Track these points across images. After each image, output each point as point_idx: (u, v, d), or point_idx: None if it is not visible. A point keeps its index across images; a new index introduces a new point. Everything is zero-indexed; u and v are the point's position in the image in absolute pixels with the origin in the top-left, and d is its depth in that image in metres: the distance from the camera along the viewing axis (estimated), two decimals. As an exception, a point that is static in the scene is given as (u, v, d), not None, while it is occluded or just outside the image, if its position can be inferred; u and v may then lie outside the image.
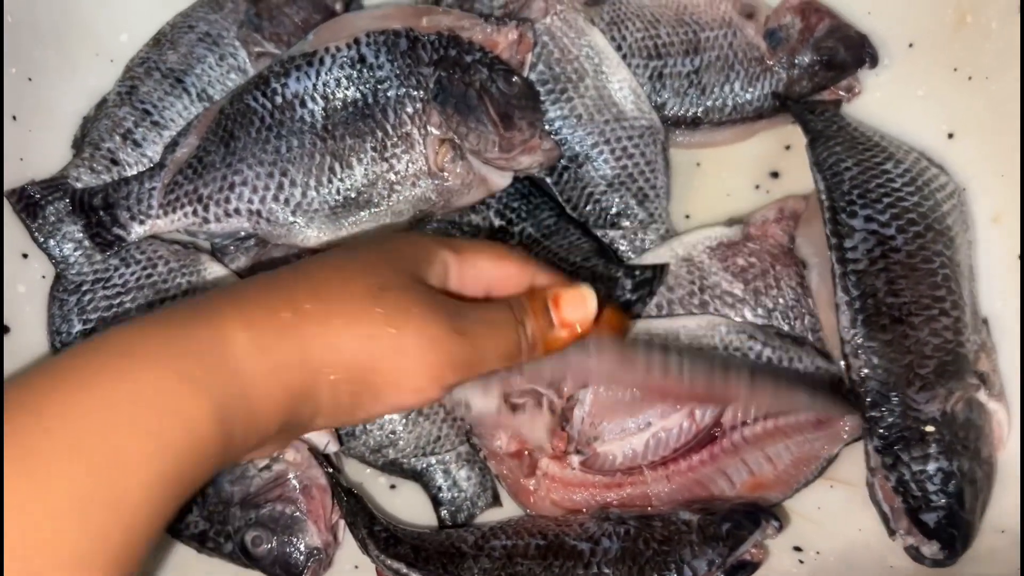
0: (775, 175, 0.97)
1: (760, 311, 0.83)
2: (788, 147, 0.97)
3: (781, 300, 0.83)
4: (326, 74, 0.81)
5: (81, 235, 0.82)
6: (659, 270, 0.84)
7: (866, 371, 0.72)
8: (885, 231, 0.75)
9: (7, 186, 0.82)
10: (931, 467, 0.70)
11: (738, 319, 0.83)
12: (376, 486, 0.87)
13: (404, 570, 0.71)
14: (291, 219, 0.81)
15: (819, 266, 0.79)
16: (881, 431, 0.72)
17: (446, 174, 0.81)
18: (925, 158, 0.86)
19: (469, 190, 0.83)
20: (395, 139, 0.80)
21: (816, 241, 0.79)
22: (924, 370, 0.71)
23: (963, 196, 0.83)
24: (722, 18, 0.95)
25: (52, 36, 0.88)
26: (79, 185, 0.84)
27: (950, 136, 0.88)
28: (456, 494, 0.83)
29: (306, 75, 0.81)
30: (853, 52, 0.92)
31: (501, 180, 0.84)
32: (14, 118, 0.83)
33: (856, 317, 0.73)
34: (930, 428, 0.70)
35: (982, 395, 0.71)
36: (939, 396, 0.71)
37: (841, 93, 0.94)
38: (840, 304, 0.74)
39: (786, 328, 0.83)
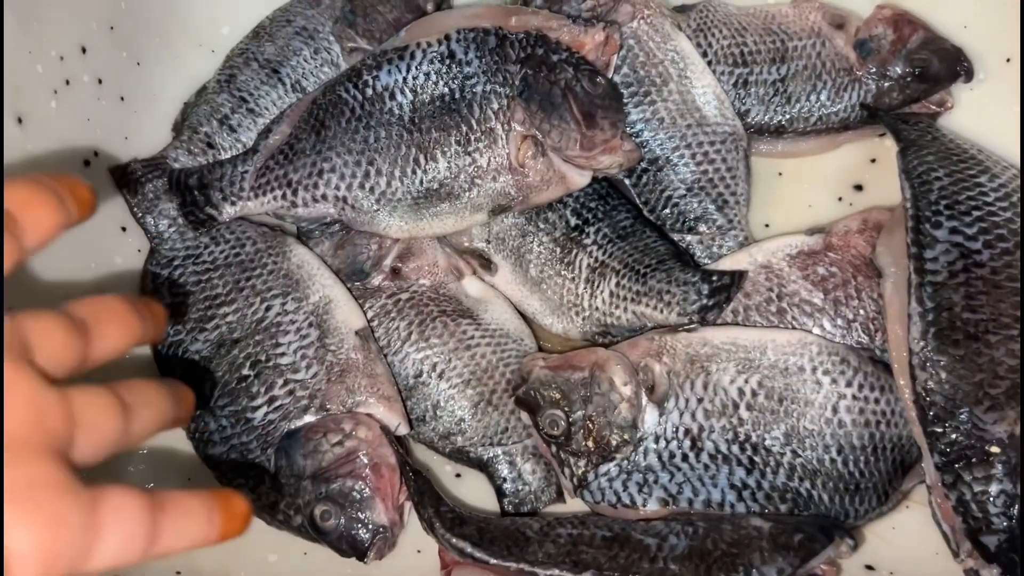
0: (859, 188, 0.95)
1: (840, 322, 0.81)
2: (874, 160, 0.96)
3: (862, 312, 0.81)
4: (416, 68, 0.83)
5: (176, 213, 0.86)
6: (737, 276, 0.83)
7: (932, 384, 0.70)
8: (970, 244, 0.73)
9: (113, 162, 0.86)
10: (994, 488, 0.67)
11: (817, 329, 0.81)
12: (443, 473, 0.88)
13: (469, 549, 0.72)
14: (375, 207, 0.83)
15: (895, 276, 0.77)
16: (943, 447, 0.69)
17: (527, 170, 0.82)
18: (1025, 175, 0.83)
19: (548, 187, 0.83)
20: (479, 134, 0.81)
21: (896, 251, 0.77)
22: (995, 390, 0.68)
23: (1059, 215, 0.80)
24: (811, 28, 0.94)
25: (159, 25, 0.93)
26: (177, 166, 0.88)
27: (1048, 153, 0.85)
28: (520, 487, 0.84)
29: (397, 68, 0.83)
30: (947, 65, 0.90)
31: (580, 179, 0.84)
32: (122, 99, 0.88)
33: (928, 329, 0.71)
34: (995, 449, 0.67)
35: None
36: (1008, 418, 0.68)
37: (933, 107, 0.92)
38: (912, 315, 0.72)
39: (866, 340, 0.81)
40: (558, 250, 0.88)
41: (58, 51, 0.77)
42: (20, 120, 0.72)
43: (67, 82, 0.79)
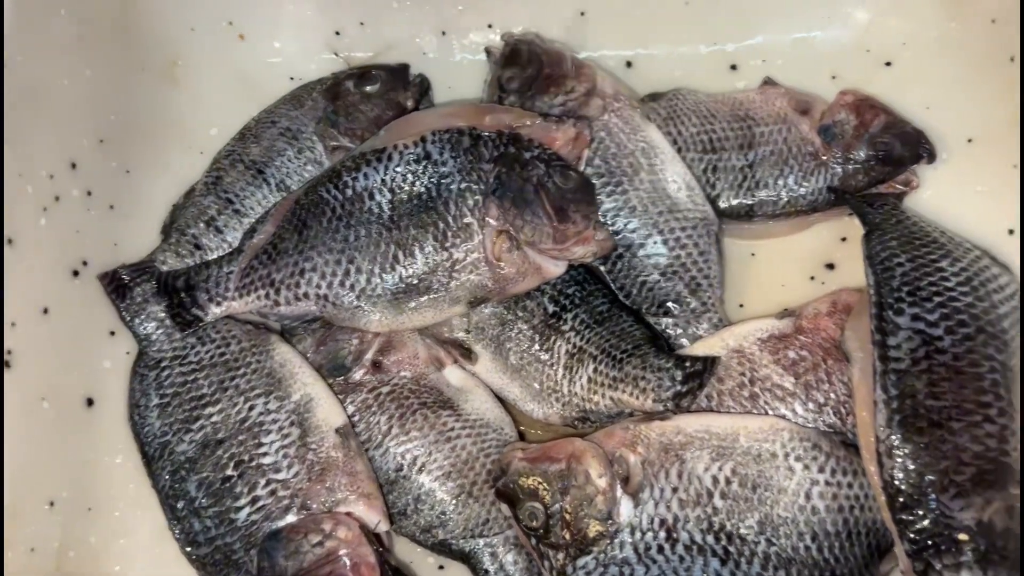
0: (831, 266, 0.97)
1: (811, 405, 0.83)
2: (844, 239, 0.98)
3: (833, 395, 0.83)
4: (394, 169, 0.86)
5: (163, 314, 0.89)
6: (710, 362, 0.85)
7: (899, 473, 0.71)
8: (932, 331, 0.75)
9: (101, 269, 0.90)
10: None
11: (789, 413, 0.83)
12: (425, 566, 0.89)
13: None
14: (356, 303, 0.86)
15: (862, 362, 0.79)
16: (912, 535, 0.70)
17: (503, 263, 0.84)
18: (988, 256, 0.85)
19: (524, 278, 0.86)
20: (455, 230, 0.84)
21: (862, 336, 0.79)
22: (960, 477, 0.70)
23: (1024, 295, 0.82)
24: (777, 114, 0.98)
25: (149, 132, 0.97)
26: (165, 268, 0.91)
27: (1011, 232, 0.87)
28: (503, 578, 0.85)
29: (375, 170, 0.86)
30: (909, 147, 0.93)
31: (556, 269, 0.87)
32: (111, 207, 0.92)
33: (893, 417, 0.73)
34: (964, 536, 0.68)
35: (1028, 505, 0.69)
36: (975, 505, 0.69)
37: (898, 187, 0.95)
38: (878, 402, 0.74)
39: (837, 423, 0.82)
40: (537, 337, 0.90)
41: (48, 170, 0.81)
42: (10, 241, 0.75)
43: (56, 198, 0.83)
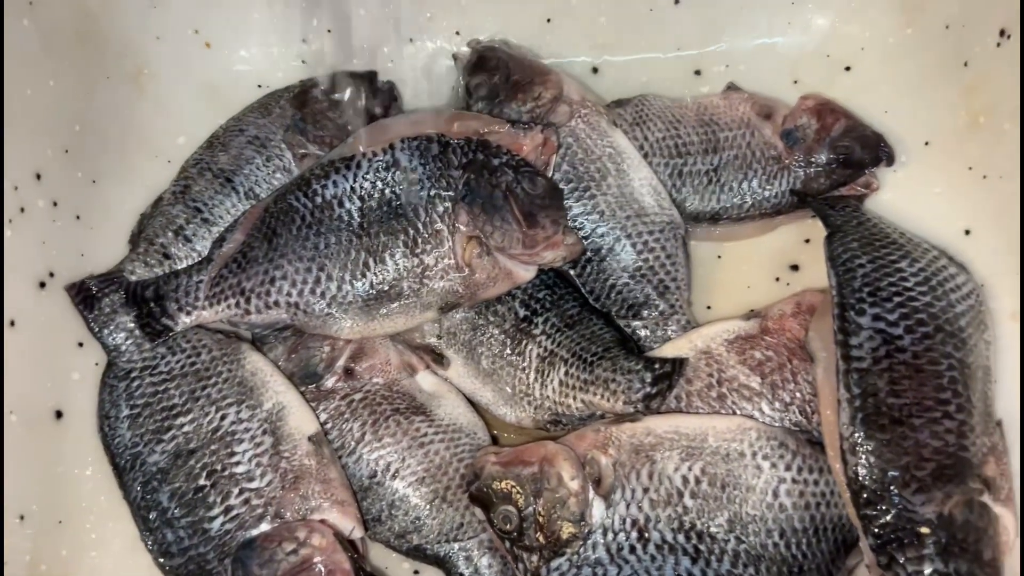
0: (795, 268, 0.99)
1: (777, 405, 0.84)
2: (808, 240, 1.00)
3: (798, 395, 0.84)
4: (363, 177, 0.86)
5: (133, 325, 0.88)
6: (678, 364, 0.86)
7: (862, 469, 0.73)
8: (892, 331, 0.77)
9: (69, 280, 0.89)
10: (927, 569, 0.70)
11: (756, 413, 0.84)
12: (400, 571, 0.89)
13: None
14: (327, 311, 0.86)
15: (825, 361, 0.81)
16: (876, 530, 0.72)
17: (473, 269, 0.85)
18: (946, 256, 0.87)
19: (495, 283, 0.87)
20: (426, 236, 0.85)
21: (825, 336, 0.81)
22: (921, 472, 0.72)
23: (982, 295, 0.84)
24: (740, 119, 1.00)
25: (115, 142, 0.96)
26: (133, 278, 0.90)
27: (967, 232, 0.90)
28: (477, 581, 0.85)
29: (344, 178, 0.87)
30: (869, 151, 0.96)
31: (525, 274, 0.88)
32: (77, 217, 0.91)
33: (856, 415, 0.74)
34: (925, 530, 0.70)
35: (986, 498, 0.71)
36: (936, 499, 0.71)
37: (859, 189, 0.97)
38: (841, 401, 0.76)
39: (803, 422, 0.84)
40: (508, 341, 0.91)
41: (12, 182, 0.81)
42: (-27, 254, 0.75)
43: (21, 210, 0.82)
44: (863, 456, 0.74)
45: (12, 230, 0.80)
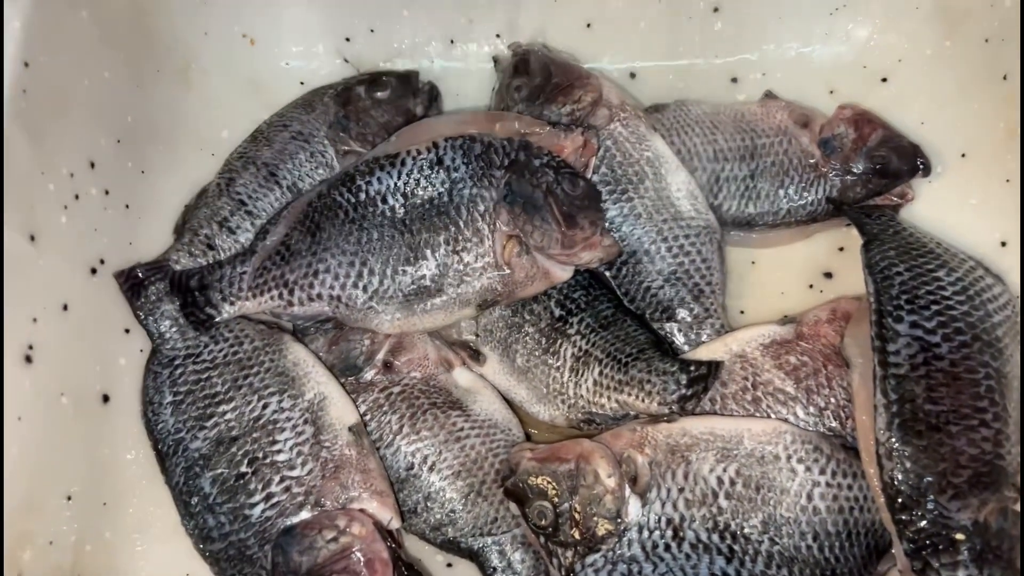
0: (828, 275, 1.00)
1: (812, 410, 0.85)
2: (842, 249, 1.01)
3: (833, 400, 0.85)
4: (407, 174, 0.88)
5: (177, 313, 0.90)
6: (714, 367, 0.87)
7: (898, 474, 0.74)
8: (930, 338, 0.78)
9: (117, 267, 0.91)
10: (961, 574, 0.71)
11: (790, 417, 0.85)
12: (434, 564, 0.90)
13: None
14: (368, 304, 0.87)
15: (862, 367, 0.81)
16: (911, 535, 0.73)
17: (512, 267, 0.86)
18: (982, 267, 0.88)
19: (532, 282, 0.88)
20: (467, 234, 0.86)
21: (862, 343, 0.82)
22: (958, 479, 0.72)
23: (1017, 306, 0.85)
24: (778, 127, 1.01)
25: (163, 134, 0.98)
26: (178, 267, 0.92)
27: (1003, 244, 0.90)
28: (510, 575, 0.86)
29: (388, 174, 0.88)
30: (905, 161, 0.96)
31: (563, 274, 0.89)
32: (127, 207, 0.93)
33: (892, 420, 0.75)
34: (960, 536, 0.71)
35: (1020, 507, 0.72)
36: (971, 506, 0.72)
37: (895, 199, 0.98)
38: (878, 406, 0.76)
39: (837, 427, 0.84)
40: (543, 340, 0.92)
41: (68, 168, 0.82)
42: (33, 237, 0.76)
43: (76, 196, 0.84)
44: (899, 461, 0.74)
45: (67, 216, 0.82)
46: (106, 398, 0.87)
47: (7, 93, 0.73)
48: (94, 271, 0.87)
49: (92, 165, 0.87)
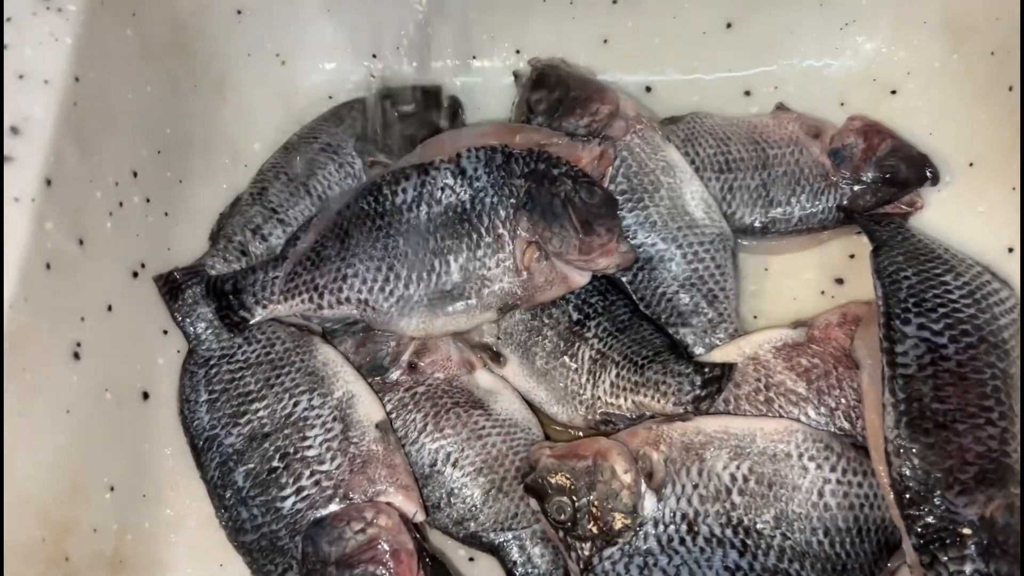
0: (840, 282, 1.03)
1: (823, 410, 0.88)
2: (853, 256, 1.04)
3: (843, 400, 0.88)
4: (431, 183, 0.91)
5: (212, 316, 0.94)
6: (727, 368, 0.90)
7: (906, 471, 0.76)
8: (937, 340, 0.80)
9: (157, 271, 0.96)
10: (968, 568, 0.73)
11: (802, 417, 0.88)
12: (456, 557, 0.93)
13: (481, 632, 0.77)
14: (395, 308, 0.91)
15: (871, 368, 0.84)
16: (919, 530, 0.75)
17: (532, 272, 0.90)
18: (989, 272, 0.90)
19: (551, 287, 0.91)
20: (488, 241, 0.89)
21: (871, 344, 0.84)
22: (965, 475, 0.74)
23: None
24: (789, 137, 1.04)
25: (199, 145, 1.03)
26: (213, 272, 0.96)
27: (1010, 250, 0.93)
28: (530, 569, 0.89)
29: (413, 185, 0.92)
30: (914, 170, 0.99)
31: (581, 279, 0.92)
32: (166, 214, 0.97)
33: (900, 418, 0.78)
34: (967, 531, 0.73)
35: (1026, 503, 0.74)
36: (978, 501, 0.74)
37: (904, 207, 1.01)
38: (886, 405, 0.79)
39: (848, 427, 0.87)
40: (562, 343, 0.95)
41: (114, 177, 0.87)
42: (81, 242, 0.81)
43: (120, 204, 0.88)
44: (907, 458, 0.77)
45: (111, 222, 0.86)
46: (146, 395, 0.92)
47: (60, 106, 0.77)
48: (135, 274, 0.92)
49: (135, 174, 0.91)
